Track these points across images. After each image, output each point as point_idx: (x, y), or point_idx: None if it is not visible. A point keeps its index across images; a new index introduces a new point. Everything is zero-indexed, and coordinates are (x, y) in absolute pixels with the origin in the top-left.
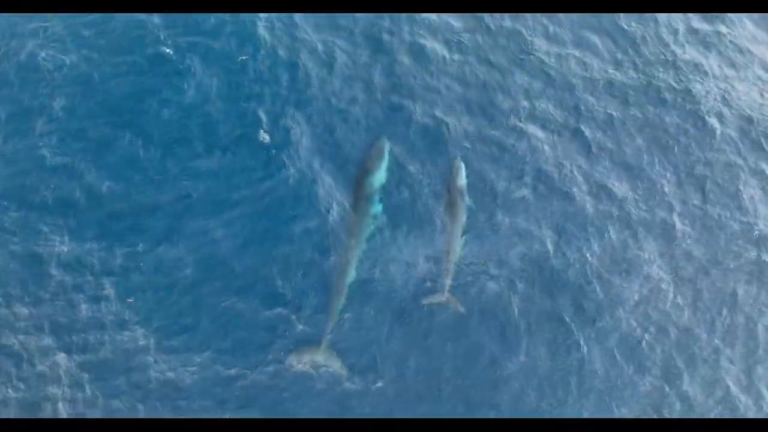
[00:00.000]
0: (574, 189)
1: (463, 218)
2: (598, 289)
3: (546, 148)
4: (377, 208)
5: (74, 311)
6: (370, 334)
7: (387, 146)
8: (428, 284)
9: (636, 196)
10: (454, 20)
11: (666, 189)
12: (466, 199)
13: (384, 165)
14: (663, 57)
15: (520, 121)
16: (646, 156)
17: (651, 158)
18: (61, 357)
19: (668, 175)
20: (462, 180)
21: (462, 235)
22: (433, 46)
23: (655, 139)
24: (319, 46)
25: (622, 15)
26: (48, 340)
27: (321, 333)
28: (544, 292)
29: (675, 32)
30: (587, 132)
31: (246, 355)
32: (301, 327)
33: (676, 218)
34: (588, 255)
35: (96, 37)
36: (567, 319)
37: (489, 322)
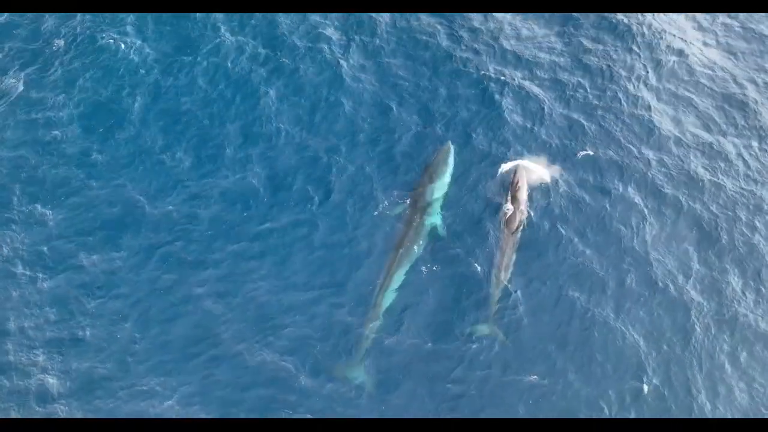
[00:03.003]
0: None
1: (519, 234)
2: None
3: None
4: (435, 220)
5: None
6: (406, 354)
7: (453, 152)
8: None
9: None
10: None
11: None
12: (526, 210)
13: (448, 173)
14: None
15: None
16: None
17: None
18: None
19: None
20: (524, 189)
21: (515, 253)
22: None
23: None
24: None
25: None
26: None
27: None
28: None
29: None
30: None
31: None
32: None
33: None
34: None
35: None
36: None
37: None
